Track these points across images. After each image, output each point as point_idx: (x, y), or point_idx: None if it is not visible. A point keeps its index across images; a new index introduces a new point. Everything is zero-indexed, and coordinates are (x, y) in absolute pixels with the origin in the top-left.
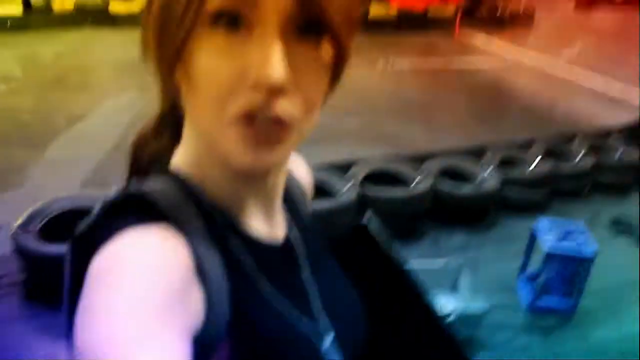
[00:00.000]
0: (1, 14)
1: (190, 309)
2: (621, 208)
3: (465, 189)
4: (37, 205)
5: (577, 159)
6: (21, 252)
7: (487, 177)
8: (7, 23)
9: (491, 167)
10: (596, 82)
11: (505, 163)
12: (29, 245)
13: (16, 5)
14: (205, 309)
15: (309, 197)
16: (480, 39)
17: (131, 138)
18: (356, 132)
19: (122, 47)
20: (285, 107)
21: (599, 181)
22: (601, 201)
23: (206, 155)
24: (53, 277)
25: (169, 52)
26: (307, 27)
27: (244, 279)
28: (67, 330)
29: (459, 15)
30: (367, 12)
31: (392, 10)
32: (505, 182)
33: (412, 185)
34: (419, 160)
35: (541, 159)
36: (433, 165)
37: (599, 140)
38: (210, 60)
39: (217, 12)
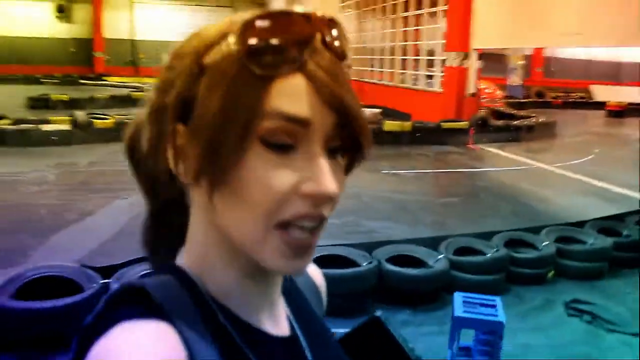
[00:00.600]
0: (52, 129)
1: None
2: (580, 293)
3: (413, 271)
4: (16, 270)
5: (540, 247)
6: None
7: (436, 262)
8: (55, 137)
9: (442, 255)
10: (593, 186)
11: (462, 251)
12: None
13: (65, 124)
14: None
15: (324, 296)
16: (492, 150)
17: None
18: (333, 228)
19: None
20: (326, 211)
21: (563, 268)
22: (560, 287)
23: (217, 255)
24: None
25: (218, 169)
26: (340, 146)
27: None
28: None
29: (471, 128)
30: (381, 126)
31: (407, 125)
32: (456, 267)
33: (363, 265)
34: (371, 247)
35: (502, 247)
36: (384, 252)
37: (569, 231)
38: (264, 178)
39: (271, 136)
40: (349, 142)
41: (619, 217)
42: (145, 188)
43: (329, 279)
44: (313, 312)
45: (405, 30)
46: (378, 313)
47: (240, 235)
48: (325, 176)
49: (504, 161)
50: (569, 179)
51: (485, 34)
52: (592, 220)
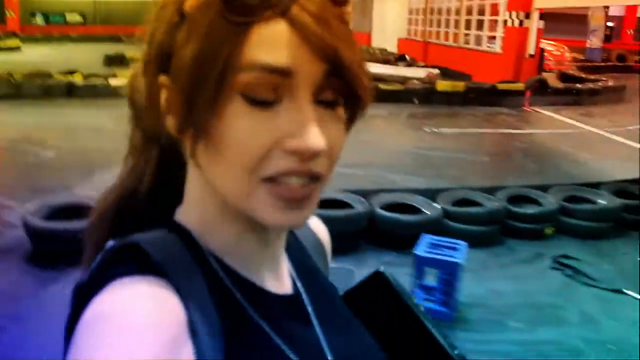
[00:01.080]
0: (117, 83)
1: None
2: (574, 251)
3: (403, 217)
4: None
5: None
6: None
7: (432, 209)
8: (118, 91)
9: (437, 204)
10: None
11: (462, 203)
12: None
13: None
14: None
15: (328, 253)
16: (547, 113)
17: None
18: (356, 179)
19: None
20: (318, 166)
21: (566, 226)
22: (557, 243)
23: (215, 211)
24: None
25: (197, 122)
26: (331, 94)
27: (253, 330)
28: None
29: (527, 90)
30: (434, 86)
31: (459, 85)
32: (447, 215)
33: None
34: (372, 194)
35: (504, 201)
36: (381, 199)
37: (580, 190)
38: (244, 131)
39: (251, 89)
40: (345, 93)
41: (637, 182)
42: (144, 142)
43: (322, 218)
44: (316, 269)
45: None
46: (381, 268)
47: (226, 190)
48: (309, 130)
49: (554, 124)
50: (616, 143)
51: None
52: (609, 182)
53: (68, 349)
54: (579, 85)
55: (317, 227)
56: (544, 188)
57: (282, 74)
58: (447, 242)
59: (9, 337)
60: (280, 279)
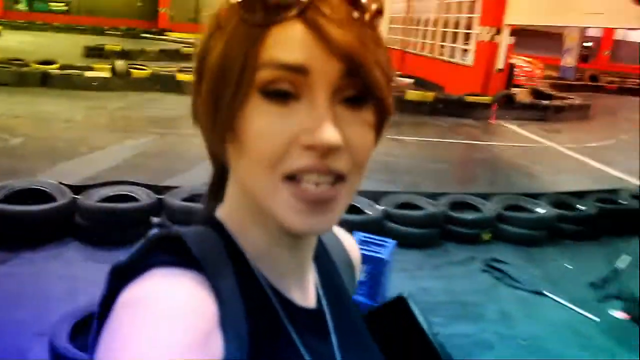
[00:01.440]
0: (91, 75)
1: (212, 356)
2: (505, 255)
3: (349, 217)
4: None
5: (483, 210)
6: None
7: (374, 211)
8: (93, 83)
9: (377, 206)
10: (593, 167)
11: (405, 206)
12: None
13: (106, 72)
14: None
15: (357, 270)
16: (511, 127)
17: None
18: None
19: (172, 106)
20: (338, 164)
21: (502, 232)
22: (492, 248)
23: (247, 213)
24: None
25: (221, 120)
26: (352, 94)
27: (282, 337)
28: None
29: (494, 103)
30: (403, 96)
31: (428, 95)
32: (388, 217)
33: None
34: None
35: (445, 206)
36: None
37: (520, 200)
38: (262, 127)
39: (269, 85)
40: (364, 92)
41: (580, 194)
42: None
43: None
44: (342, 285)
45: (448, 2)
46: (405, 294)
47: (251, 187)
48: (323, 125)
49: (516, 138)
50: (572, 159)
51: (519, 10)
52: (549, 193)
53: (103, 327)
54: (545, 102)
55: (350, 245)
56: (486, 196)
57: (298, 71)
58: (377, 239)
59: None
60: (305, 291)
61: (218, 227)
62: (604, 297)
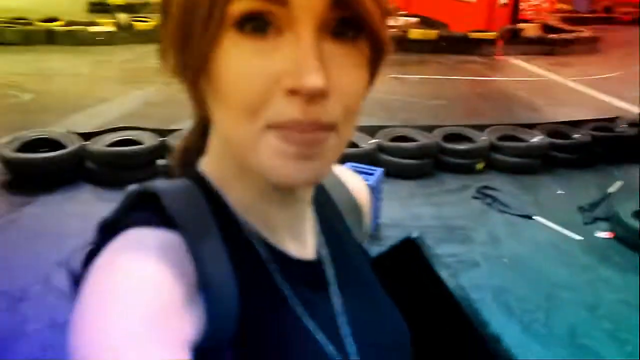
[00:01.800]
0: (95, 30)
1: (186, 323)
2: (498, 183)
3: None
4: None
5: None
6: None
7: (368, 145)
8: (98, 38)
9: (375, 140)
10: (595, 99)
11: (399, 139)
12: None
13: (110, 26)
14: (206, 324)
15: (365, 216)
16: (516, 62)
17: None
18: None
19: None
20: (324, 111)
21: (496, 162)
22: (485, 177)
23: (232, 164)
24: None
25: (192, 62)
26: (342, 26)
27: (272, 290)
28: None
29: (499, 39)
30: (406, 34)
31: (432, 33)
32: (382, 150)
33: None
34: None
35: (436, 139)
36: None
37: (514, 130)
38: (239, 67)
39: (244, 15)
40: (355, 24)
41: (576, 124)
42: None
43: None
44: (346, 232)
45: None
46: (414, 235)
47: (232, 136)
48: (307, 66)
49: (521, 72)
50: (576, 91)
51: None
52: (544, 123)
53: (80, 291)
54: (552, 36)
55: (356, 187)
56: (481, 127)
57: (276, 2)
58: (366, 169)
59: None
60: (302, 242)
61: (201, 181)
62: (591, 220)
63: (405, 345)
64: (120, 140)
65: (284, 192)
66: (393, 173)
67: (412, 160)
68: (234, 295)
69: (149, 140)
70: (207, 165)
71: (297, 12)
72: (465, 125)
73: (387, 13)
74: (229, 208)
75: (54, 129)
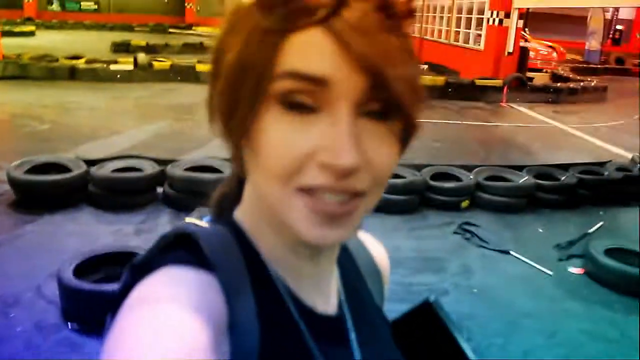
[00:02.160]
0: (116, 68)
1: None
2: (480, 221)
3: None
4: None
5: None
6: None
7: None
8: (117, 75)
9: None
10: (594, 145)
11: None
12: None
13: (129, 64)
14: None
15: (386, 282)
16: (520, 109)
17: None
18: None
19: (190, 94)
20: (355, 181)
21: (481, 200)
22: (469, 215)
23: (265, 217)
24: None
25: (236, 129)
26: (376, 107)
27: (295, 340)
28: None
29: (505, 86)
30: None
31: (439, 79)
32: None
33: None
34: None
35: (424, 176)
36: None
37: (501, 171)
38: (277, 140)
39: (286, 93)
40: (390, 105)
41: (565, 167)
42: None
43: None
44: (367, 292)
45: None
46: (431, 298)
47: (266, 196)
48: (341, 146)
49: (523, 119)
50: (575, 138)
51: None
52: (534, 166)
53: (113, 324)
54: (558, 84)
55: (378, 253)
56: (469, 168)
57: (318, 83)
58: None
59: None
60: (325, 297)
61: (234, 229)
62: (566, 257)
63: None
64: (124, 168)
65: (313, 247)
66: (380, 208)
67: (399, 196)
68: (256, 342)
69: (149, 169)
70: (241, 214)
71: (336, 93)
72: (454, 165)
73: (421, 99)
74: (261, 257)
75: (62, 155)
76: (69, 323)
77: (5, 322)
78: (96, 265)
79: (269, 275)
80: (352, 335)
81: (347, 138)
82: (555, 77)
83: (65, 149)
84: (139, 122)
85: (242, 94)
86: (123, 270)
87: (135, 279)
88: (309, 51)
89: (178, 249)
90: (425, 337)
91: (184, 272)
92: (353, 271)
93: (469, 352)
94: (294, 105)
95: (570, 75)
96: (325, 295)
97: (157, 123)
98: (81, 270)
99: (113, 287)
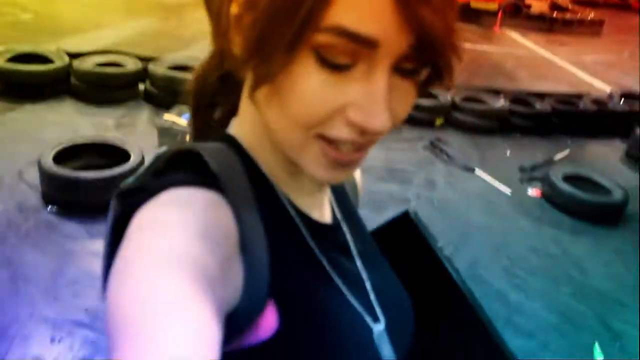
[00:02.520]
0: None
1: (228, 283)
2: (451, 138)
3: None
4: None
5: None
6: None
7: None
8: None
9: None
10: (575, 77)
11: None
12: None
13: None
14: (244, 283)
15: (360, 195)
16: (513, 35)
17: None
18: None
19: None
20: (375, 138)
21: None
22: (441, 132)
23: (265, 139)
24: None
25: (263, 70)
26: (411, 69)
27: (304, 251)
28: (103, 283)
29: (500, 11)
30: None
31: None
32: None
33: None
34: None
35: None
36: None
37: (478, 93)
38: (308, 90)
39: (328, 46)
40: (426, 64)
41: (542, 95)
42: (214, 35)
43: None
44: (352, 204)
45: None
46: (410, 208)
47: (279, 136)
48: (378, 108)
49: (514, 45)
50: (561, 68)
51: None
52: (509, 90)
53: (119, 250)
54: (554, 14)
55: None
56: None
57: (365, 44)
58: None
59: None
60: (321, 209)
61: (234, 143)
62: (527, 179)
63: (410, 311)
64: (106, 63)
65: None
66: None
67: None
68: (267, 257)
69: (132, 65)
70: (238, 130)
71: (380, 53)
72: None
73: (460, 58)
74: (261, 170)
75: (45, 46)
76: (48, 206)
77: None
78: (75, 153)
79: (271, 189)
80: (352, 244)
81: (383, 101)
82: (554, 7)
83: (48, 41)
84: (124, 18)
85: (280, 36)
86: (101, 160)
87: (131, 206)
88: (363, 7)
89: (180, 170)
90: (403, 248)
91: (192, 193)
92: (339, 185)
93: (447, 263)
94: (331, 63)
95: (570, 7)
96: (319, 207)
97: (143, 20)
98: (61, 157)
99: (90, 174)
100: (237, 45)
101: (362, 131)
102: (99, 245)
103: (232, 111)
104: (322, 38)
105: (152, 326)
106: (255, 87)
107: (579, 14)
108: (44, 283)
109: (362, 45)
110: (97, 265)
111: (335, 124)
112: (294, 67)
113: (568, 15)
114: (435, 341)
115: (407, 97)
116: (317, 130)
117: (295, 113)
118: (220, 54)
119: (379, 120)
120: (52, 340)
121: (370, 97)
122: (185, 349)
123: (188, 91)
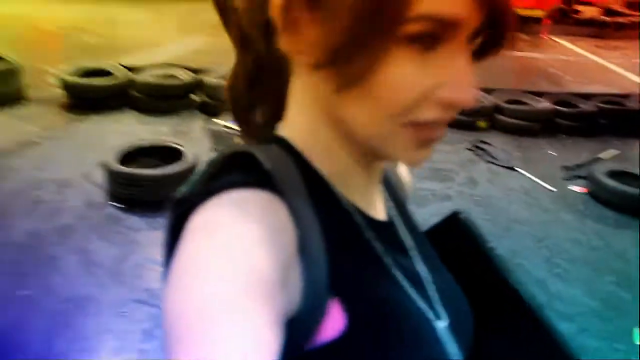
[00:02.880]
0: None
1: (288, 285)
2: (494, 140)
3: None
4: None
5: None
6: None
7: None
8: None
9: None
10: (625, 78)
11: None
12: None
13: None
14: (303, 285)
15: (409, 193)
16: (560, 41)
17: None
18: None
19: None
20: (456, 113)
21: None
22: (485, 135)
23: (329, 138)
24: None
25: (353, 69)
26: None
27: (366, 251)
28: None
29: (546, 18)
30: None
31: None
32: None
33: None
34: None
35: None
36: None
37: (521, 96)
38: (401, 79)
39: (418, 35)
40: (491, 39)
41: (587, 96)
42: (236, 41)
43: None
44: (403, 202)
45: None
46: (459, 210)
47: (364, 130)
48: (467, 82)
49: (562, 51)
50: (610, 72)
51: None
52: (553, 93)
53: (175, 255)
54: (604, 18)
55: (403, 169)
56: (488, 91)
57: (450, 26)
58: None
59: (43, 149)
60: (376, 207)
61: (285, 145)
62: (570, 177)
63: (468, 309)
64: (163, 75)
65: (370, 160)
66: None
67: None
68: (324, 256)
69: (185, 77)
70: (290, 132)
71: (462, 31)
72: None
73: (518, 31)
74: (318, 174)
75: (109, 62)
76: (113, 203)
77: (60, 198)
78: (136, 157)
79: (326, 187)
80: (410, 243)
81: (470, 75)
82: (608, 11)
83: (109, 58)
84: (177, 36)
85: (371, 37)
86: (159, 161)
87: (188, 209)
88: None
89: (234, 172)
90: (453, 248)
91: (248, 194)
92: (390, 181)
93: (500, 265)
94: (420, 45)
95: (625, 11)
96: (374, 205)
97: (194, 37)
98: (124, 159)
99: (150, 172)
100: (296, 47)
101: (453, 107)
102: (157, 235)
103: (276, 113)
104: (410, 28)
105: (209, 335)
106: (343, 88)
107: (630, 18)
108: (110, 267)
109: (446, 27)
110: (156, 252)
111: (424, 107)
112: (384, 61)
113: (620, 19)
114: (493, 342)
115: (472, 66)
116: (407, 118)
117: (387, 104)
118: (253, 60)
119: (469, 93)
120: (119, 314)
121: (458, 74)
122: (241, 357)
123: (225, 99)
